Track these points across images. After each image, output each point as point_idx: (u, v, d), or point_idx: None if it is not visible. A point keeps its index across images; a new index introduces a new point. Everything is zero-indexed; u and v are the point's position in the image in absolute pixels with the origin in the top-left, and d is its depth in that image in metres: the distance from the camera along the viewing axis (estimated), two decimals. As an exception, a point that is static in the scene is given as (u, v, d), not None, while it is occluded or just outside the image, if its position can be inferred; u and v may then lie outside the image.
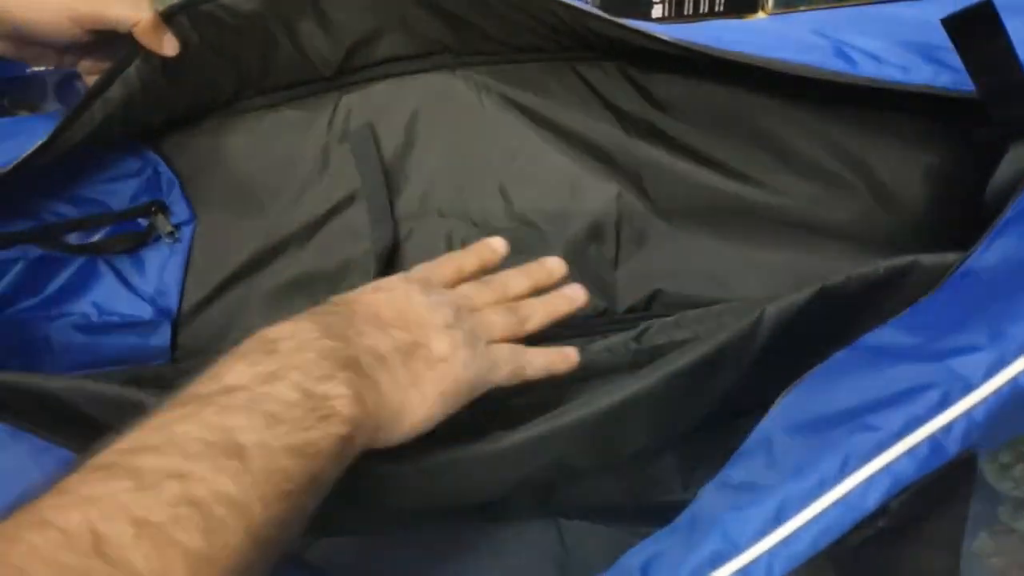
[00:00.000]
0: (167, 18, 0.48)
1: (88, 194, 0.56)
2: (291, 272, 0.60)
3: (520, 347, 0.42)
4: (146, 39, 0.46)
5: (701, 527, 0.31)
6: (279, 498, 0.29)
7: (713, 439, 0.43)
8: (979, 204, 0.43)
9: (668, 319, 0.53)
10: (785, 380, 0.37)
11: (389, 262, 0.59)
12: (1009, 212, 0.36)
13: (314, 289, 0.59)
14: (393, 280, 0.41)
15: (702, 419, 0.44)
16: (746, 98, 0.54)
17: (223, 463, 0.28)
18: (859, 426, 0.30)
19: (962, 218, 0.48)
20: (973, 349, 0.31)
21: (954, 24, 0.38)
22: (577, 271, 0.58)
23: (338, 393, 0.32)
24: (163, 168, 0.59)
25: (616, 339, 0.52)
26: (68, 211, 0.56)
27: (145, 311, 0.58)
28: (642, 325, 0.53)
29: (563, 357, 0.44)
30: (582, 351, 0.53)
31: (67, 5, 0.44)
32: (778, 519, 0.30)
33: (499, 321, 0.42)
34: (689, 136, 0.57)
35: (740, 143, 0.56)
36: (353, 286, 0.58)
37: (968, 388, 0.30)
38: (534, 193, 0.59)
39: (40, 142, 0.47)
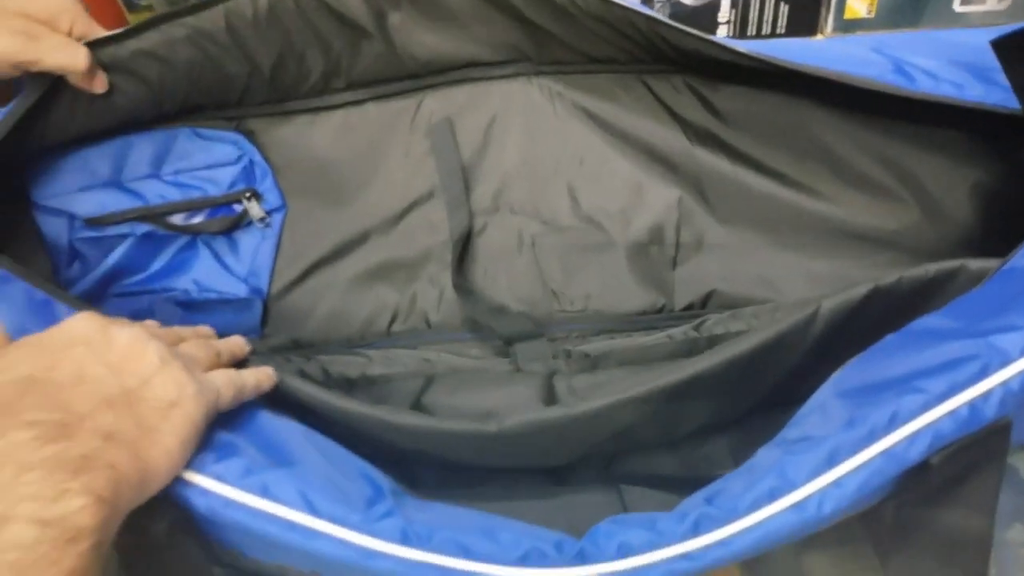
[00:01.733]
0: None
1: (190, 180, 0.61)
2: (373, 260, 0.64)
3: (232, 371, 0.40)
4: (82, 83, 0.50)
5: (760, 470, 0.35)
6: None
7: (766, 426, 0.46)
8: (1022, 217, 0.46)
9: (724, 313, 0.56)
10: (837, 372, 0.40)
11: (464, 253, 0.63)
12: (1050, 221, 0.39)
13: (394, 276, 0.64)
14: (77, 326, 0.35)
15: (756, 405, 0.48)
16: (804, 112, 0.58)
17: None
18: (908, 388, 0.34)
19: (1006, 231, 0.51)
20: (1012, 328, 0.34)
21: (1002, 45, 0.42)
22: (638, 269, 0.63)
23: (79, 506, 0.29)
24: (258, 158, 0.63)
25: (676, 330, 0.56)
26: (172, 194, 0.60)
27: (240, 289, 0.62)
28: (700, 318, 0.57)
29: (267, 375, 0.42)
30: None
31: (6, 51, 0.46)
32: (830, 462, 0.33)
33: (199, 354, 0.41)
34: (749, 146, 0.61)
35: (797, 154, 0.60)
36: (432, 275, 0.63)
37: (1006, 361, 0.33)
38: (600, 195, 0.63)
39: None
